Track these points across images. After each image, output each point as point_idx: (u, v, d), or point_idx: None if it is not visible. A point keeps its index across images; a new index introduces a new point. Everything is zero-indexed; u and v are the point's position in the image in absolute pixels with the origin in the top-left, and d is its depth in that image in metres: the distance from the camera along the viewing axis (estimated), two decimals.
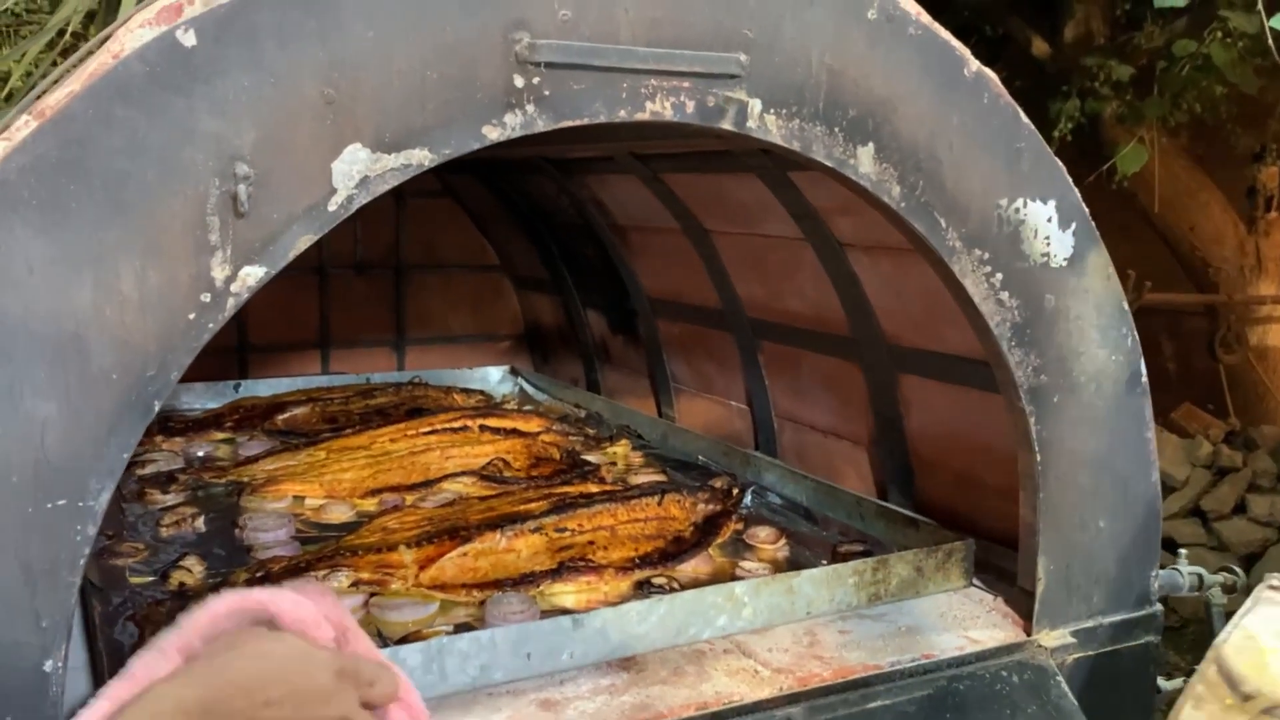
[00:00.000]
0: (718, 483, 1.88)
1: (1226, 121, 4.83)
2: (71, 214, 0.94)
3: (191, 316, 0.99)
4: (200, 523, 1.69)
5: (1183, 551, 1.74)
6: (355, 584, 1.43)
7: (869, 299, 1.82)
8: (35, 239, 0.93)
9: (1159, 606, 1.60)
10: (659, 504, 1.71)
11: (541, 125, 1.11)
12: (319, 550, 1.53)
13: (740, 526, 1.72)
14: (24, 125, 0.94)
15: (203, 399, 2.47)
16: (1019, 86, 1.40)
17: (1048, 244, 1.42)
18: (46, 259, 0.93)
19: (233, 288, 1.01)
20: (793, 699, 1.27)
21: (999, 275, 1.39)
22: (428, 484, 1.81)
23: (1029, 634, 1.47)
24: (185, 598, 1.34)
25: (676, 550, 1.59)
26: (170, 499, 1.79)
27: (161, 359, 0.98)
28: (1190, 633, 3.74)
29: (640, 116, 1.16)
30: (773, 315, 2.14)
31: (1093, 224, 1.45)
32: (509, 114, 1.09)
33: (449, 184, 2.92)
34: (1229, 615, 1.36)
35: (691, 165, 1.95)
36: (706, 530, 1.66)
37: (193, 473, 1.90)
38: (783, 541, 1.69)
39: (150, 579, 1.49)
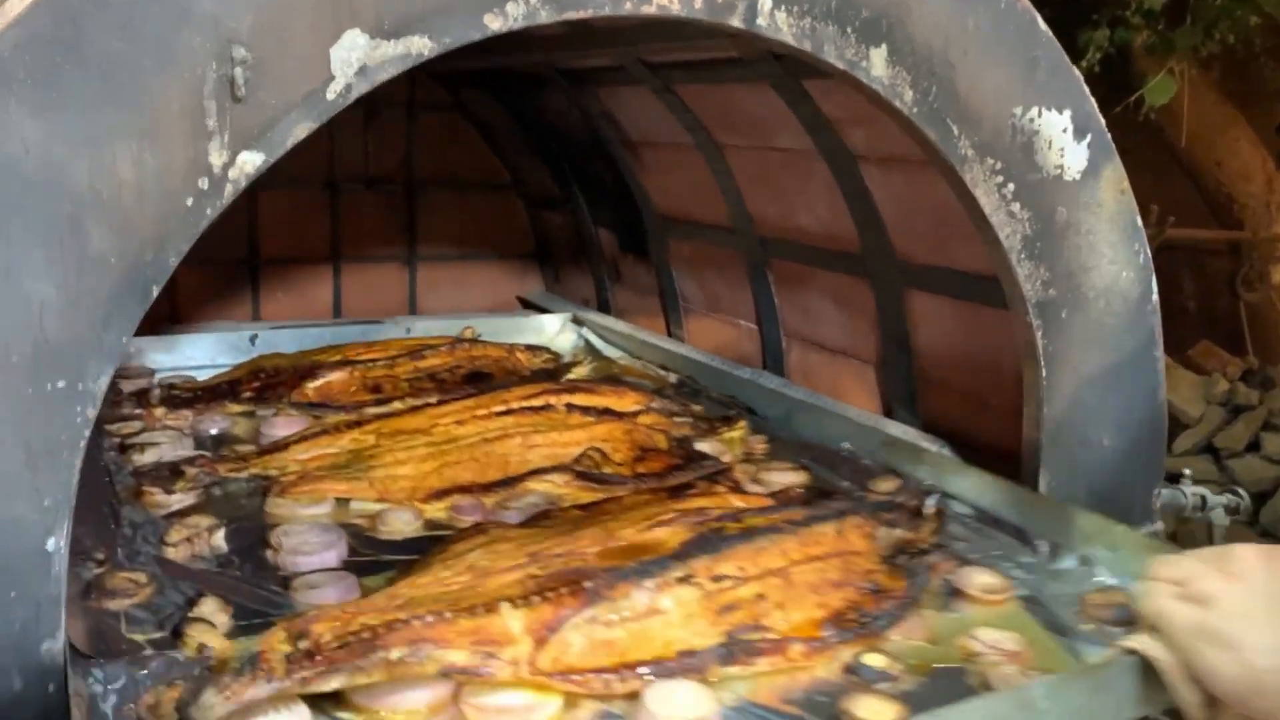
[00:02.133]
0: (903, 495, 1.45)
1: (1260, 55, 4.71)
2: (67, 94, 0.93)
3: (189, 202, 0.99)
4: (219, 538, 1.33)
5: (1187, 471, 1.71)
6: (444, 672, 0.99)
7: (880, 214, 1.79)
8: (31, 118, 0.92)
9: (1160, 525, 1.59)
10: (837, 532, 1.27)
11: (544, 16, 1.08)
12: (385, 607, 1.05)
13: (952, 567, 1.30)
14: (18, 1, 0.93)
15: (212, 353, 2.21)
16: (1048, 15, 1.36)
17: (1061, 155, 1.39)
18: (43, 139, 0.93)
19: (230, 174, 1.00)
20: None
21: (1010, 186, 1.37)
22: (508, 483, 1.48)
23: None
24: (208, 670, 1.02)
25: (877, 605, 1.18)
26: (176, 500, 1.44)
27: (159, 244, 0.98)
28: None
29: (646, 10, 1.13)
30: (783, 233, 2.10)
31: (1108, 137, 1.42)
32: (510, 3, 1.06)
33: (460, 98, 2.87)
34: (1233, 539, 1.24)
35: (703, 75, 1.91)
36: (901, 570, 1.26)
37: (205, 464, 1.53)
38: (1011, 593, 1.26)
39: (156, 634, 1.12)
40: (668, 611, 1.09)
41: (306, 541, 1.31)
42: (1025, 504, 1.43)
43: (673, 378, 2.18)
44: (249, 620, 1.15)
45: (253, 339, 2.30)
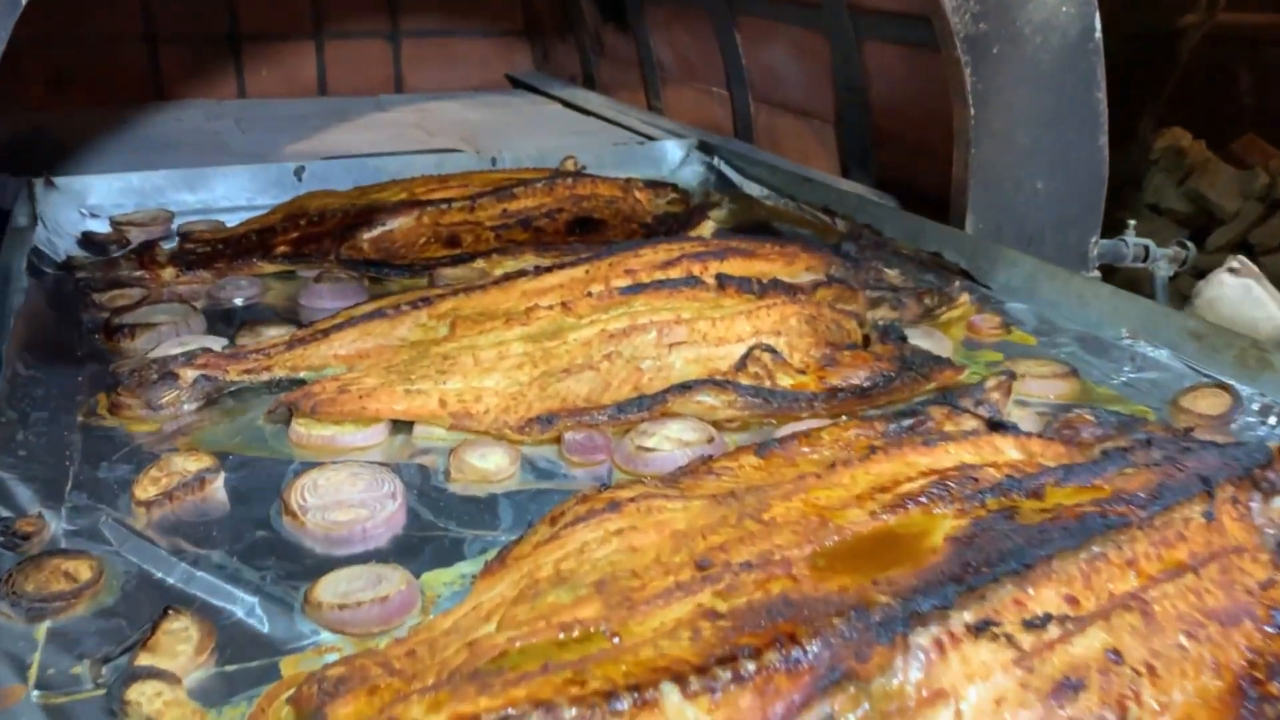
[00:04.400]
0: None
1: None
2: None
3: None
4: (217, 489, 0.89)
5: (1131, 223, 1.69)
6: None
7: None
8: None
9: (1096, 273, 1.58)
10: (1206, 519, 0.75)
11: None
12: (455, 668, 0.61)
13: None
14: None
15: (249, 191, 1.75)
16: None
17: None
18: None
19: None
20: None
21: None
22: (641, 403, 0.99)
23: None
24: None
25: None
26: (167, 420, 1.00)
27: None
28: None
29: None
30: None
31: None
32: None
33: None
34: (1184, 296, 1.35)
35: None
36: None
37: (208, 361, 1.05)
38: None
39: (83, 694, 0.66)
40: (958, 697, 0.60)
41: (340, 502, 0.85)
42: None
43: (836, 222, 1.67)
44: (241, 662, 0.70)
45: (298, 172, 1.81)
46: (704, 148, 2.05)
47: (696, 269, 1.23)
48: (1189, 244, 1.68)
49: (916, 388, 1.08)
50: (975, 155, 1.44)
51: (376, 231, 1.42)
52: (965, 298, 1.28)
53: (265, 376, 1.07)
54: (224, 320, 1.29)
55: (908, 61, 1.70)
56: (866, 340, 1.18)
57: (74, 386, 1.08)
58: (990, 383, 1.03)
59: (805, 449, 0.92)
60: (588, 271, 1.21)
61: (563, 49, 3.02)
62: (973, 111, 1.42)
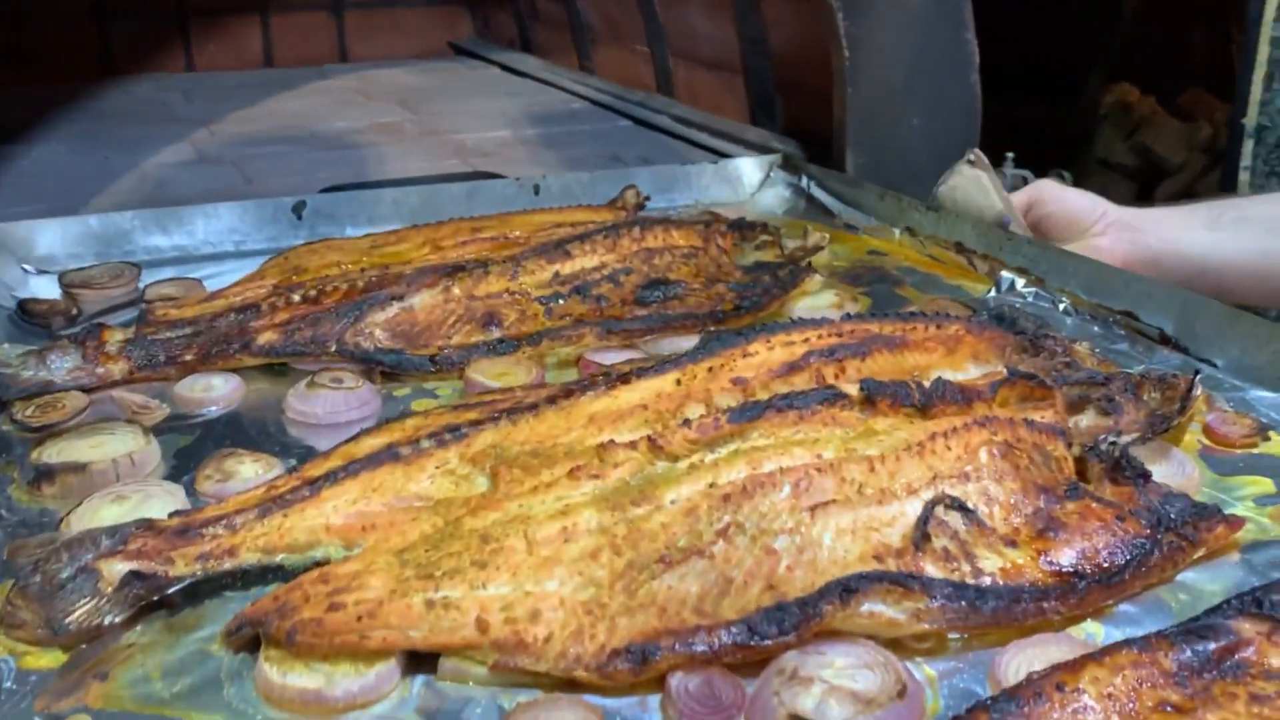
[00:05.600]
0: None
1: None
2: None
3: None
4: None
5: (1010, 155, 1.78)
6: None
7: None
8: None
9: None
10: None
11: None
12: None
13: None
14: None
15: (240, 230, 1.44)
16: None
17: None
18: None
19: None
20: None
21: None
22: (785, 618, 0.64)
23: None
24: None
25: None
26: (77, 654, 0.68)
27: None
28: None
29: None
30: None
31: None
32: None
33: None
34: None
35: None
36: None
37: (152, 549, 0.73)
38: None
39: None
40: None
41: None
42: None
43: (979, 268, 1.32)
44: None
45: (298, 209, 1.48)
46: (788, 165, 1.69)
47: (830, 372, 0.88)
48: (1066, 174, 1.78)
49: (1181, 560, 0.73)
50: (852, 96, 1.55)
51: (392, 312, 1.08)
52: (1199, 391, 0.92)
53: (227, 565, 0.73)
54: (185, 440, 0.96)
55: (798, 10, 1.78)
56: (1079, 470, 0.83)
57: None
58: None
59: (1058, 714, 0.57)
60: (679, 382, 0.86)
61: (501, 16, 3.20)
62: (847, 54, 1.52)
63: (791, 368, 0.87)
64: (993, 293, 1.25)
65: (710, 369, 0.87)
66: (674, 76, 2.41)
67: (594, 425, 0.83)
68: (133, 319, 1.18)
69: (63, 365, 1.03)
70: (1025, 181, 1.63)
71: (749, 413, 0.80)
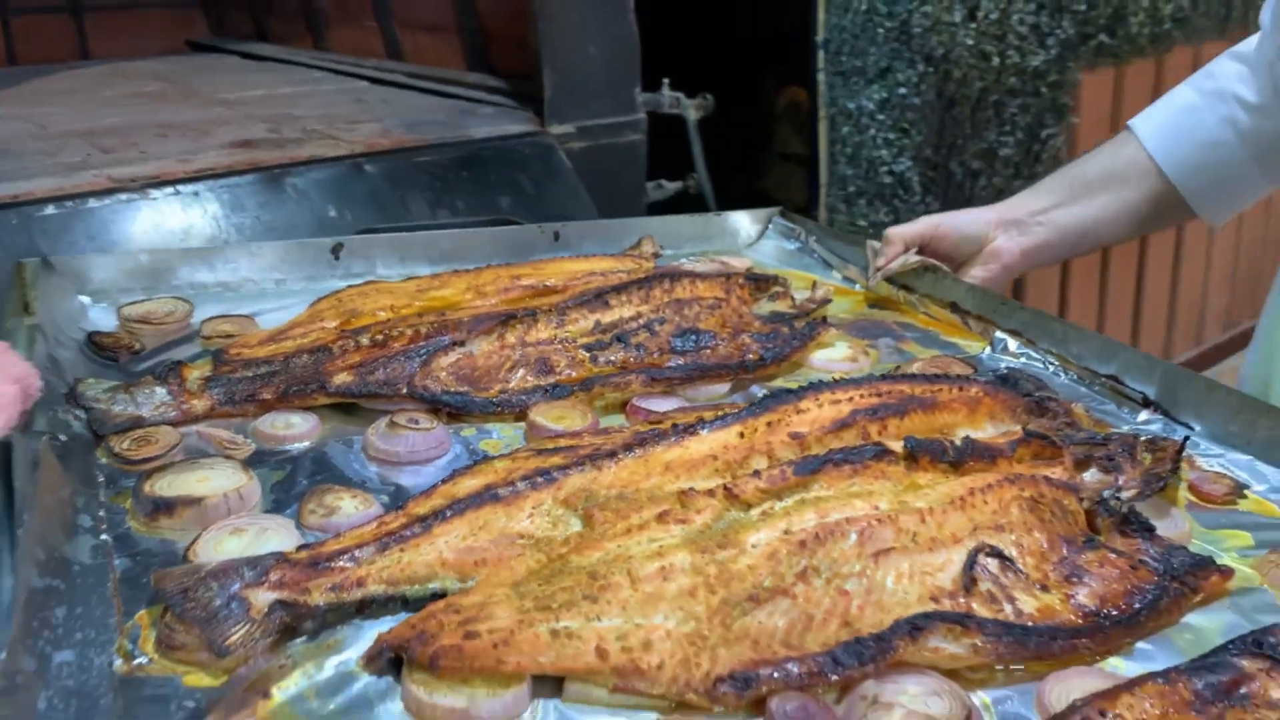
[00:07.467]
0: None
1: None
2: None
3: None
4: None
5: (665, 80, 2.25)
6: None
7: None
8: None
9: (643, 115, 2.15)
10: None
11: None
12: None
13: None
14: None
15: (278, 272, 1.51)
16: None
17: None
18: None
19: None
20: None
21: None
22: (864, 652, 0.75)
23: (542, 126, 2.05)
24: None
25: None
26: (237, 674, 0.76)
27: None
28: None
29: None
30: None
31: None
32: None
33: None
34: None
35: None
36: None
37: (292, 579, 0.81)
38: None
39: None
40: None
41: None
42: None
43: (973, 326, 1.44)
44: None
45: (336, 250, 1.55)
46: (785, 216, 1.81)
47: (874, 429, 0.99)
48: (709, 96, 2.28)
49: (1185, 604, 0.86)
50: (544, 30, 1.97)
51: (454, 356, 1.17)
52: (1182, 450, 1.05)
53: (358, 594, 0.82)
54: (278, 475, 1.03)
55: None
56: (1088, 522, 0.96)
57: (105, 599, 0.83)
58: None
59: None
60: (743, 435, 0.96)
61: (235, 13, 3.55)
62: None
63: (841, 424, 0.99)
64: (988, 351, 1.38)
65: (769, 423, 0.98)
66: (402, 45, 2.80)
67: (670, 473, 0.94)
68: (196, 354, 1.26)
69: (150, 401, 1.10)
70: (679, 100, 2.20)
71: (810, 465, 0.91)
